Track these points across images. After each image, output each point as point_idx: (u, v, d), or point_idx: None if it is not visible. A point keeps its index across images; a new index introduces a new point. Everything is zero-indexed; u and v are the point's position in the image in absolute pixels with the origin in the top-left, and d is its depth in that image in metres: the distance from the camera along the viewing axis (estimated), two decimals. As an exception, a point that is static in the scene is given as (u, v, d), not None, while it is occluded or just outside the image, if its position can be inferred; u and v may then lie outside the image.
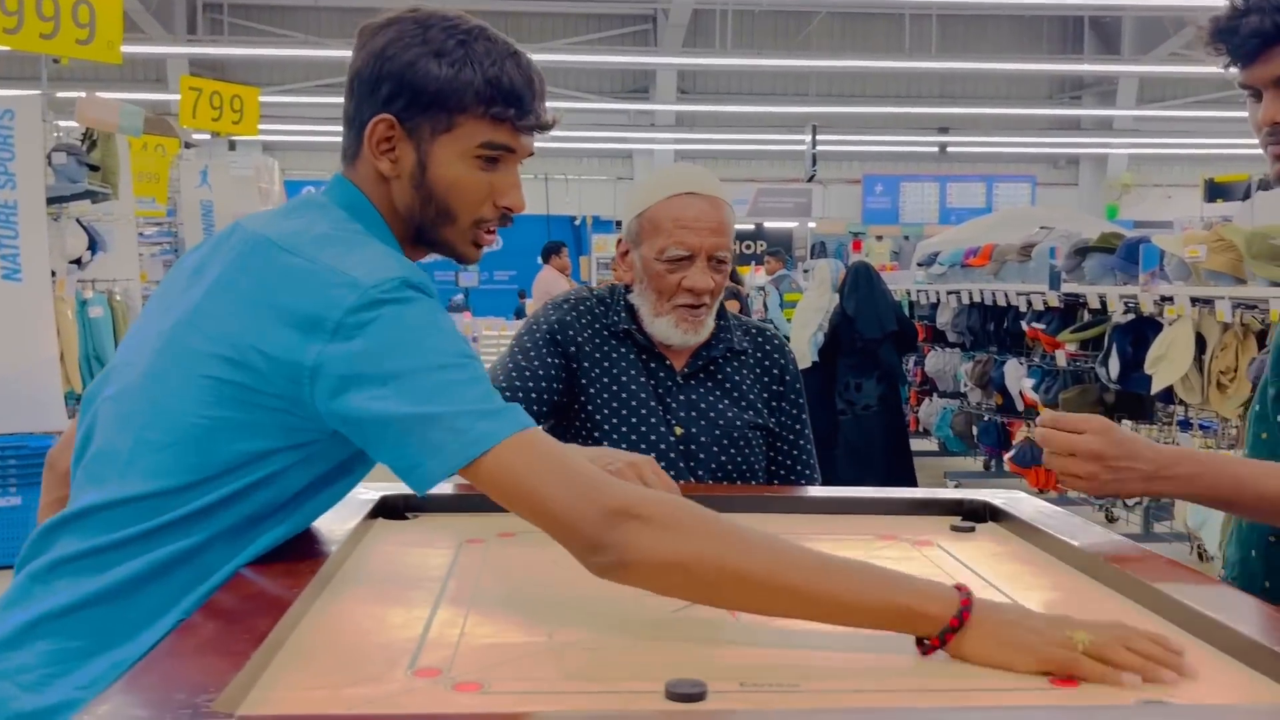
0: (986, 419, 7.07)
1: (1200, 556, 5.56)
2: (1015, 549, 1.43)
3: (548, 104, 1.29)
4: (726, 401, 1.89)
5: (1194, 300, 4.68)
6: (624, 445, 1.78)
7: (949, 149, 18.03)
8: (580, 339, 1.88)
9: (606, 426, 1.83)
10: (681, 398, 1.87)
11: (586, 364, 1.86)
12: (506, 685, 0.93)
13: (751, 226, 18.23)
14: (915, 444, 7.21)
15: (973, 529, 1.53)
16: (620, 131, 17.94)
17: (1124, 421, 5.64)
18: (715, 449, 1.85)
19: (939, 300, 7.59)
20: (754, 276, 12.19)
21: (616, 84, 17.88)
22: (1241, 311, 4.43)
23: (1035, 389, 6.11)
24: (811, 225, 17.91)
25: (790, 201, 18.17)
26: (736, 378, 1.92)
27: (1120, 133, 17.86)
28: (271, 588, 1.13)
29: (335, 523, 1.38)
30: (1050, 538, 1.38)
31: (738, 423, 1.88)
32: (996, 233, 8.21)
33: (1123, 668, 0.93)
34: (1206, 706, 0.85)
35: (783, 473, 1.96)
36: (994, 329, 6.92)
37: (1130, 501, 5.52)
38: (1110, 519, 6.53)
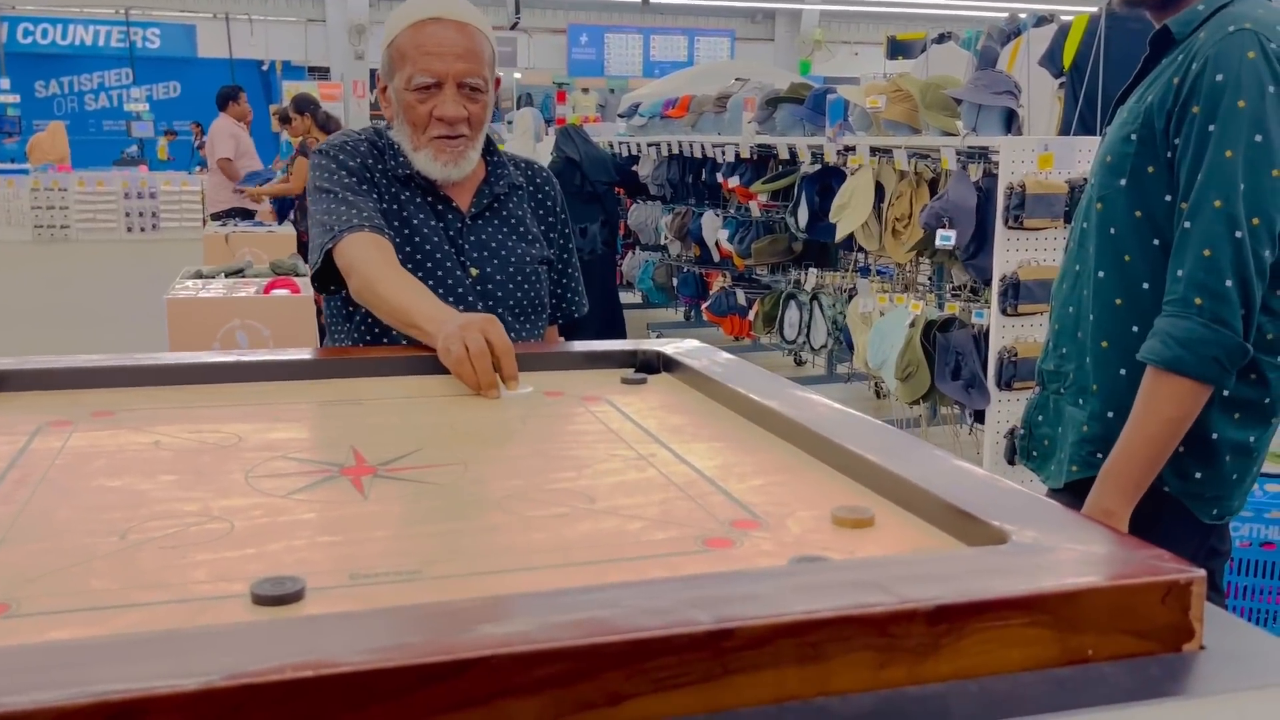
0: (685, 270, 7.19)
1: (878, 394, 5.95)
2: (685, 400, 1.35)
3: None
4: (514, 238, 1.88)
5: (874, 150, 4.85)
6: None
7: (651, 0, 17.93)
8: (379, 183, 1.80)
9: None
10: (472, 238, 1.84)
11: (385, 211, 1.78)
12: (43, 603, 0.74)
13: (454, 76, 17.51)
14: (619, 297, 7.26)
15: (644, 381, 1.43)
16: (308, -32, 16.61)
17: (810, 269, 5.86)
18: (510, 286, 1.84)
19: (640, 153, 7.56)
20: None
21: (302, -85, 16.45)
22: (916, 160, 4.62)
23: (730, 240, 6.23)
24: (516, 76, 17.47)
25: (494, 51, 17.56)
26: (520, 213, 1.91)
27: (813, -12, 18.37)
28: None
29: None
30: (721, 387, 1.31)
31: (527, 259, 1.87)
32: (697, 85, 8.24)
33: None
34: (860, 560, 0.78)
35: (557, 302, 1.98)
36: (692, 181, 6.98)
37: (816, 344, 5.78)
38: (799, 362, 6.86)
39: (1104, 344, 1.70)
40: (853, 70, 15.36)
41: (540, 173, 1.98)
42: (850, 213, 4.98)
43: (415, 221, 1.79)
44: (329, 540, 0.87)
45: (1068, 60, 4.58)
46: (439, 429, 1.21)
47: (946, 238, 4.08)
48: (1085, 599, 0.71)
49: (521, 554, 0.84)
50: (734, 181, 6.21)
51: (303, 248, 6.85)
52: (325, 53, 17.64)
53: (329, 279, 1.74)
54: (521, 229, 1.89)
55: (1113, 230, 1.67)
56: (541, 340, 1.90)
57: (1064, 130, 4.63)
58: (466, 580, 0.78)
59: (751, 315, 6.28)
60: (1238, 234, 1.51)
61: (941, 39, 5.45)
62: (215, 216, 7.86)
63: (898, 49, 7.87)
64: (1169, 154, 1.58)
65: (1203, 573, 0.74)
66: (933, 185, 4.67)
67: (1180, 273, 1.54)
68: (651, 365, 1.49)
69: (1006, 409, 4.25)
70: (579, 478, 1.03)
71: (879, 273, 5.38)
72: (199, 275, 5.05)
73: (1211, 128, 1.52)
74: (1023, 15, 5.61)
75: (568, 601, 0.67)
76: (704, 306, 6.76)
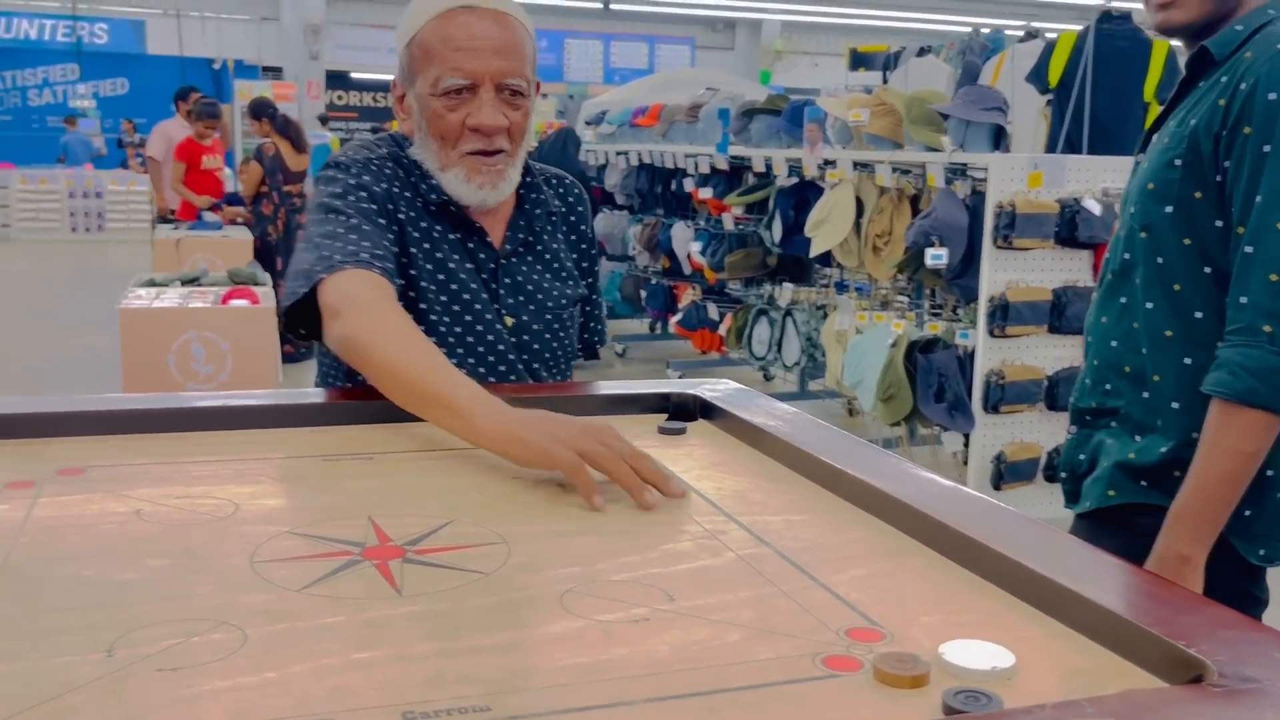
0: (654, 282, 7.04)
1: (850, 411, 5.84)
2: (738, 457, 1.20)
3: None
4: (549, 277, 1.58)
5: (855, 164, 4.74)
6: (459, 347, 1.47)
7: (612, 5, 17.80)
8: (404, 215, 1.47)
9: (442, 328, 1.46)
10: (507, 281, 1.53)
11: (414, 249, 1.47)
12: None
13: (411, 79, 17.25)
14: (584, 308, 7.11)
15: (683, 431, 1.28)
16: (262, -35, 16.28)
17: (785, 284, 5.74)
18: (546, 335, 1.55)
19: (608, 161, 7.41)
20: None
21: (255, -89, 16.12)
22: (899, 175, 4.52)
23: (702, 253, 6.10)
24: (474, 80, 17.21)
25: (452, 54, 17.31)
26: (554, 245, 1.61)
27: (774, -1, 18.34)
28: None
29: None
30: (781, 444, 1.16)
31: (562, 300, 1.58)
32: (661, 94, 8.10)
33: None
34: (1041, 711, 0.63)
35: (587, 335, 1.70)
36: (662, 191, 6.84)
37: (789, 361, 5.66)
38: (768, 378, 6.74)
39: (1156, 378, 1.62)
40: (813, 81, 15.32)
41: (573, 190, 1.67)
42: (829, 228, 4.87)
43: (450, 264, 1.47)
44: (367, 658, 0.71)
45: (1054, 78, 4.51)
46: (466, 494, 1.05)
47: (938, 256, 3.97)
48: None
49: (606, 679, 0.69)
50: (706, 193, 6.08)
51: (259, 253, 6.60)
52: (279, 52, 17.27)
53: (305, 322, 1.38)
54: (556, 265, 1.59)
55: (1160, 260, 1.60)
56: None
57: (1049, 148, 4.56)
58: (554, 724, 0.63)
59: (723, 330, 6.15)
60: None
61: (922, 52, 5.36)
62: (164, 220, 7.60)
63: (859, 60, 7.80)
64: (1218, 178, 1.52)
65: None
66: (914, 202, 4.57)
67: (1244, 300, 1.47)
68: (687, 410, 1.34)
69: (992, 433, 4.16)
70: (645, 564, 0.88)
71: (856, 289, 5.28)
72: (152, 283, 4.82)
73: (1267, 148, 1.46)
74: (985, 30, 5.56)
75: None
76: (674, 320, 6.63)
